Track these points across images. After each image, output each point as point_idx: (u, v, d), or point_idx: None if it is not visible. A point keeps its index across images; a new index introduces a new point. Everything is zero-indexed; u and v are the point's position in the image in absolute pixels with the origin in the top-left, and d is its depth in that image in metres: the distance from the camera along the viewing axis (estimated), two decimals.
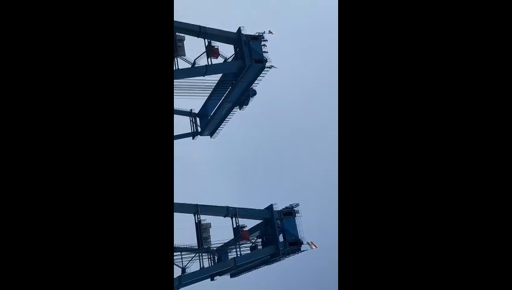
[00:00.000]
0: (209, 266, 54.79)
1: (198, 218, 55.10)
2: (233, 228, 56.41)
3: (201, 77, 54.37)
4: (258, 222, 58.61)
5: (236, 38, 54.17)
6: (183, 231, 56.02)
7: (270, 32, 55.36)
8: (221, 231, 56.63)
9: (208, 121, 64.68)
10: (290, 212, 57.25)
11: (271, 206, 57.46)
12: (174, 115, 65.66)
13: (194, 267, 53.39)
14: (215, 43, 54.17)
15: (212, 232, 55.47)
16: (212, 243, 55.17)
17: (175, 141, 66.16)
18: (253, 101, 60.27)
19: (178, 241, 54.21)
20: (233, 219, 56.50)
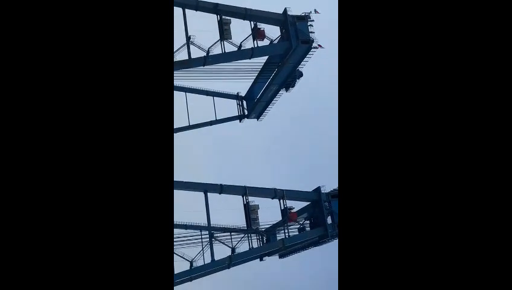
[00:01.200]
0: (258, 247, 55.72)
1: (246, 199, 55.97)
2: (281, 210, 56.84)
3: (248, 60, 54.52)
4: (305, 203, 58.71)
5: (282, 20, 53.64)
6: (232, 212, 57.23)
7: (316, 11, 54.44)
8: (269, 212, 57.30)
9: (255, 104, 64.89)
10: (338, 195, 56.89)
11: (319, 188, 57.28)
12: (221, 99, 66.59)
13: (243, 247, 54.56)
14: (261, 25, 54.04)
15: (261, 214, 56.26)
16: (260, 224, 56.00)
17: (223, 124, 67.16)
18: (299, 82, 59.80)
19: (227, 221, 55.58)
20: (281, 200, 56.90)
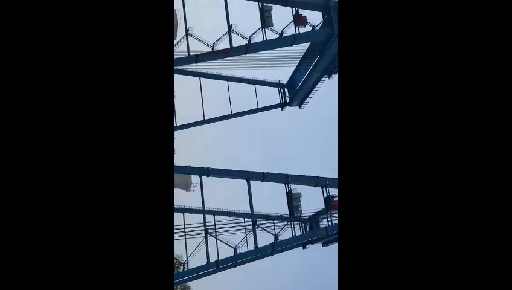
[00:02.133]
0: (300, 235, 55.80)
1: (289, 187, 56.01)
2: (324, 198, 56.50)
3: (289, 47, 54.03)
4: None
5: (324, 5, 52.68)
6: (275, 199, 57.51)
7: None
8: (312, 200, 57.15)
9: (296, 91, 64.28)
10: None
11: None
12: (263, 87, 66.49)
13: (286, 235, 54.82)
14: (302, 11, 53.37)
15: (303, 202, 56.19)
16: (303, 212, 55.96)
17: (264, 113, 67.20)
18: None
19: (270, 209, 55.95)
20: (324, 188, 56.49)
